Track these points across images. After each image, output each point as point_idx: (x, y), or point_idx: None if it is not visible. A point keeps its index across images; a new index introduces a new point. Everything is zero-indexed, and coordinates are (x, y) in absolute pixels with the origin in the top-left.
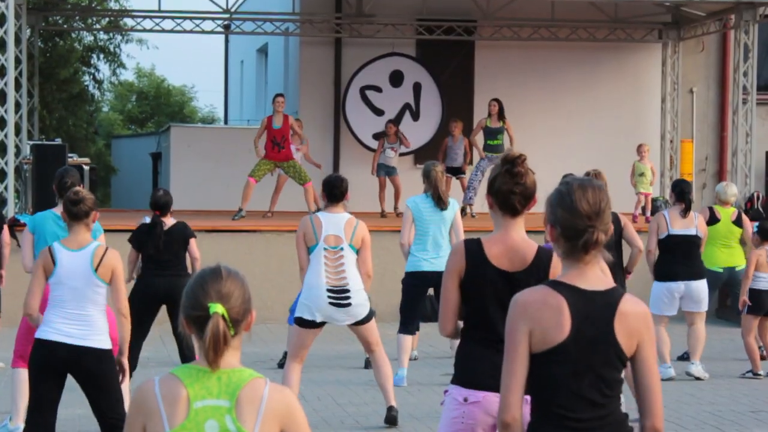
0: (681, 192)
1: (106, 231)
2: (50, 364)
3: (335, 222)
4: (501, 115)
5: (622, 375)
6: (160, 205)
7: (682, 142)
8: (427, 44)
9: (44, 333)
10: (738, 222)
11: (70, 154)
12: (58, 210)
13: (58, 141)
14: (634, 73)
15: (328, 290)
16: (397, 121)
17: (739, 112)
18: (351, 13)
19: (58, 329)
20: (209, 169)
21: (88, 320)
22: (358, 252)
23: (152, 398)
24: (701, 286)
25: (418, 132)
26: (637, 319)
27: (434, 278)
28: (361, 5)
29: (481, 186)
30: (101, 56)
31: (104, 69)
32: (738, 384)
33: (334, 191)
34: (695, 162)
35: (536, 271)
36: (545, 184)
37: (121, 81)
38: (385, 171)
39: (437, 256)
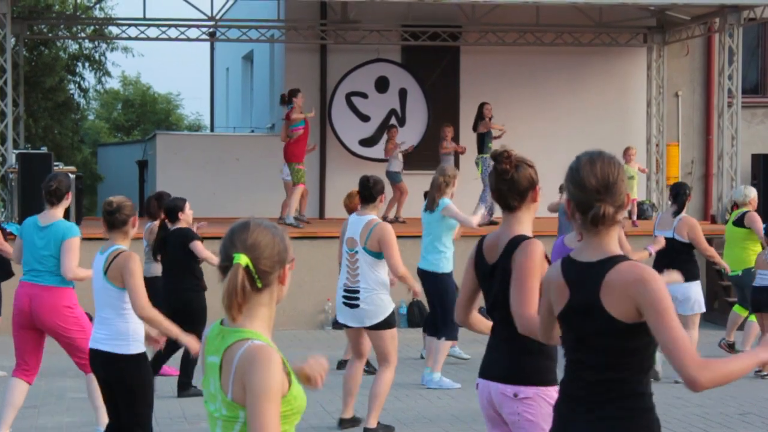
0: (675, 194)
1: (92, 239)
2: (93, 371)
3: (357, 224)
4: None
5: (627, 344)
6: (165, 210)
7: (668, 146)
8: (413, 50)
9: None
10: (738, 223)
11: (56, 163)
12: (42, 216)
13: (44, 149)
14: (620, 77)
15: (344, 290)
16: (382, 127)
17: (724, 115)
18: (336, 19)
19: (92, 335)
20: (196, 177)
21: (107, 324)
22: (376, 255)
23: (203, 349)
24: (677, 289)
25: (405, 138)
26: (626, 286)
27: (422, 276)
28: (346, 12)
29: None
30: (86, 64)
31: (90, 77)
32: (725, 387)
33: (363, 193)
34: (681, 165)
35: (504, 260)
36: None
37: (107, 89)
38: (396, 177)
39: (425, 255)
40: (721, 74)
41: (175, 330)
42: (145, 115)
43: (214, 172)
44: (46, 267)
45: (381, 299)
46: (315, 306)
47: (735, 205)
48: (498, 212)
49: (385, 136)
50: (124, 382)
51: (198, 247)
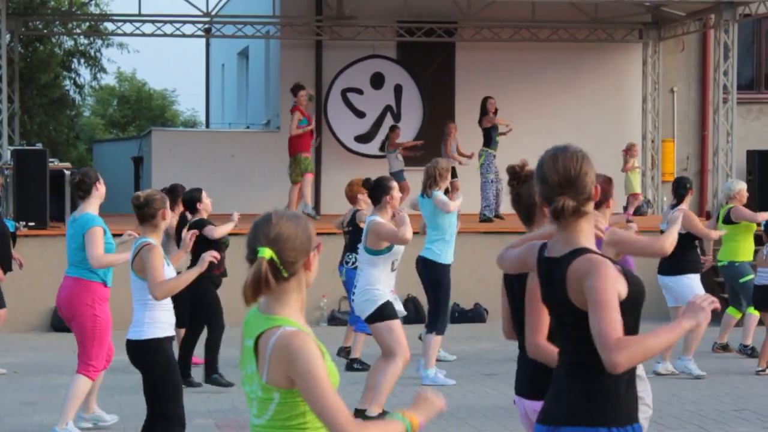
0: (675, 188)
1: None
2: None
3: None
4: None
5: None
6: (185, 202)
7: (663, 142)
8: (408, 46)
9: None
10: (726, 220)
11: (51, 159)
12: (76, 211)
13: (39, 146)
14: (615, 73)
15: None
16: (378, 123)
17: (719, 112)
18: (331, 15)
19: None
20: (191, 173)
21: (135, 313)
22: (373, 252)
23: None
24: (669, 283)
25: (400, 134)
26: (580, 274)
27: (422, 263)
28: (342, 8)
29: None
30: (82, 61)
31: (85, 73)
32: (720, 383)
33: (370, 195)
34: (676, 161)
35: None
36: None
37: (102, 85)
38: (400, 176)
39: (427, 244)
40: (716, 70)
41: (193, 272)
42: (141, 112)
43: (210, 169)
44: (72, 259)
45: (370, 292)
46: (311, 302)
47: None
48: (504, 208)
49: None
50: (146, 367)
51: (209, 230)
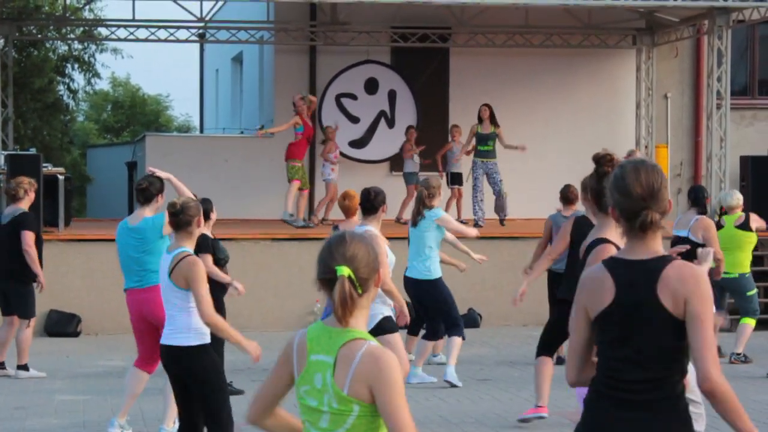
0: (695, 198)
1: (81, 240)
2: (164, 367)
3: None
4: (492, 121)
5: (679, 343)
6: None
7: (657, 148)
8: (402, 52)
9: None
10: (743, 226)
11: (44, 164)
12: (129, 217)
13: (33, 151)
14: (609, 79)
15: None
16: (372, 128)
17: (713, 117)
18: (325, 21)
19: (163, 332)
20: (185, 178)
21: (172, 320)
22: None
23: (291, 348)
24: None
25: (394, 139)
26: (682, 281)
27: (414, 284)
28: (336, 13)
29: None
30: (76, 66)
31: (79, 78)
32: None
33: (364, 204)
34: (670, 167)
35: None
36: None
37: (96, 90)
38: (413, 178)
39: (415, 264)
40: (710, 76)
41: (237, 336)
42: (135, 117)
43: (204, 174)
44: (141, 266)
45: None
46: (304, 307)
47: (722, 208)
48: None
49: (381, 137)
50: (197, 371)
51: (208, 262)
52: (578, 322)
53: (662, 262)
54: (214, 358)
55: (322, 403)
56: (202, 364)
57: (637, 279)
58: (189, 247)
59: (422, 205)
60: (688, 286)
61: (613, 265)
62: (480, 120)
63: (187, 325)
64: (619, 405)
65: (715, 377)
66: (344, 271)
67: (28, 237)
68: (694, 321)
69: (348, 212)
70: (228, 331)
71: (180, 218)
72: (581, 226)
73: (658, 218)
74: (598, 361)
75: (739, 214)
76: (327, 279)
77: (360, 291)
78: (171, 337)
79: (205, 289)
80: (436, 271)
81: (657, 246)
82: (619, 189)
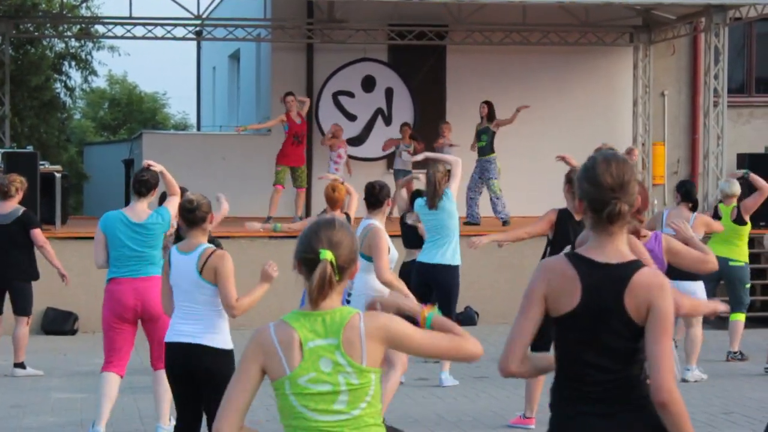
0: (686, 192)
1: (77, 238)
2: (172, 365)
3: (360, 228)
4: (490, 118)
5: (638, 345)
6: None
7: (653, 145)
8: (399, 49)
9: (166, 336)
10: (738, 221)
11: (41, 162)
12: (128, 210)
13: (30, 149)
14: (606, 77)
15: (346, 294)
16: (369, 126)
17: (710, 115)
18: (323, 18)
19: (176, 330)
20: (182, 176)
21: (201, 319)
22: (369, 259)
23: (270, 343)
24: (689, 287)
25: (391, 137)
26: (648, 290)
27: (433, 269)
28: (333, 11)
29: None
30: (73, 63)
31: (76, 76)
32: (709, 386)
33: (369, 199)
34: (667, 165)
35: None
36: (517, 186)
37: (93, 88)
38: (403, 175)
39: (435, 249)
40: (707, 74)
41: (262, 289)
42: (132, 114)
43: (201, 171)
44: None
45: (366, 300)
46: (298, 305)
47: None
48: (485, 210)
49: (379, 135)
50: (219, 374)
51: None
52: (532, 310)
53: (630, 269)
54: (234, 366)
55: (338, 384)
56: (227, 370)
57: (604, 285)
58: (205, 242)
59: (439, 186)
60: (652, 294)
61: (578, 263)
62: (481, 118)
63: (219, 327)
64: (584, 403)
65: (671, 389)
66: (327, 255)
67: (40, 234)
68: (654, 329)
69: (334, 204)
70: (256, 296)
71: (195, 215)
72: (563, 220)
73: (626, 209)
74: (558, 360)
75: (734, 205)
76: (308, 258)
77: (338, 278)
78: (198, 335)
79: (232, 282)
80: (456, 258)
81: (623, 246)
82: (588, 179)
